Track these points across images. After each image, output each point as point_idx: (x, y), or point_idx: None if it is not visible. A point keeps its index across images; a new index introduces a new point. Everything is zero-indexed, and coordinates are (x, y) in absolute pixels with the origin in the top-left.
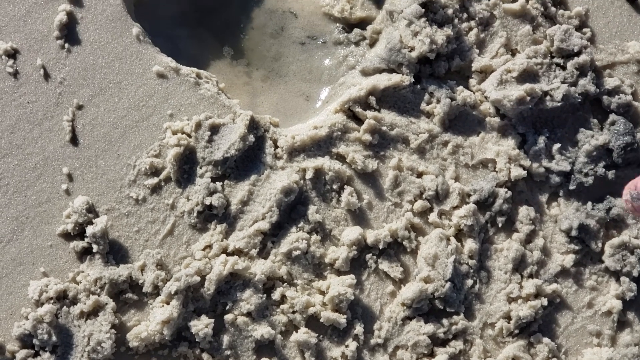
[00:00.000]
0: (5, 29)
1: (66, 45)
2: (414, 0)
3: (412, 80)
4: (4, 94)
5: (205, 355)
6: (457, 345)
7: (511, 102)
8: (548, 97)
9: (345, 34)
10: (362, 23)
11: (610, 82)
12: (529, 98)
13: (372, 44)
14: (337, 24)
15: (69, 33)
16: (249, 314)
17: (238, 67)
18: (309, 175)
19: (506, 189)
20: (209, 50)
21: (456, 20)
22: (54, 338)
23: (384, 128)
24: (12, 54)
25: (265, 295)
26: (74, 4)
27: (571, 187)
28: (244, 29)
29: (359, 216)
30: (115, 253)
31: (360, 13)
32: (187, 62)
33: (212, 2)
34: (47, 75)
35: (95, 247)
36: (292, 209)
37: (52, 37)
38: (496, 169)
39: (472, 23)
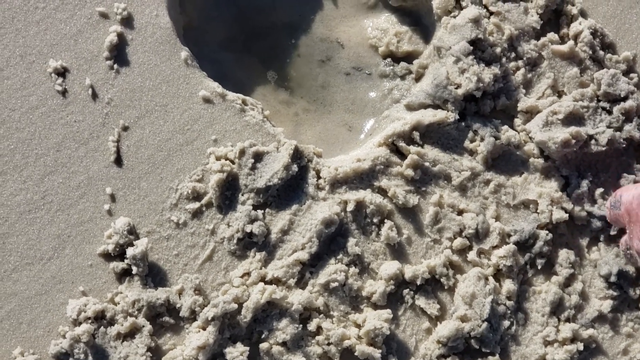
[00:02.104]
0: (56, 47)
1: (115, 66)
2: (462, 37)
3: (457, 117)
4: (52, 112)
5: None
6: None
7: (556, 144)
8: (593, 141)
9: (392, 67)
10: (409, 57)
11: None
12: (574, 141)
13: (418, 79)
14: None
15: (119, 54)
16: (284, 344)
17: (282, 95)
18: (350, 207)
19: (547, 231)
20: (254, 76)
21: (504, 59)
22: (90, 358)
23: (427, 164)
24: (62, 73)
25: (301, 325)
26: (125, 25)
27: (612, 233)
28: (290, 57)
29: (397, 251)
30: (154, 276)
31: (408, 47)
32: (232, 87)
33: (259, 27)
34: (95, 95)
35: (134, 269)
36: (331, 240)
37: (101, 57)
38: (538, 211)
39: (520, 63)
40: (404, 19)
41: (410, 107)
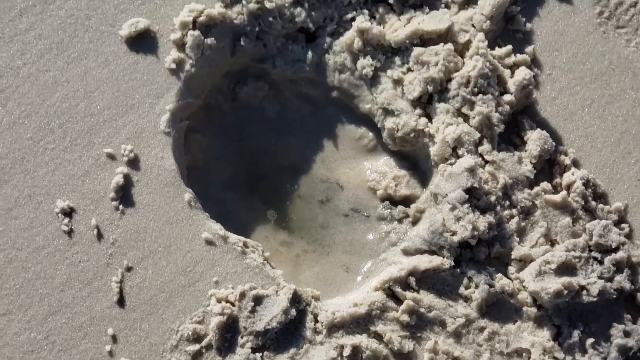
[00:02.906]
0: (64, 188)
1: (120, 206)
2: (458, 185)
3: (452, 263)
4: (58, 252)
5: None
6: None
7: (549, 294)
8: (585, 292)
9: (389, 210)
10: (406, 200)
11: None
12: (566, 292)
13: (414, 222)
14: (383, 201)
15: (124, 195)
16: None
17: (282, 235)
18: (347, 352)
19: None
20: (256, 216)
21: (498, 208)
22: None
23: (422, 310)
24: (69, 213)
25: None
26: (131, 167)
27: None
28: (291, 197)
29: None
30: None
31: (405, 191)
32: (234, 226)
33: (262, 168)
34: (100, 236)
35: None
36: None
37: (107, 198)
38: (530, 359)
39: (514, 211)
40: (402, 162)
41: (407, 252)
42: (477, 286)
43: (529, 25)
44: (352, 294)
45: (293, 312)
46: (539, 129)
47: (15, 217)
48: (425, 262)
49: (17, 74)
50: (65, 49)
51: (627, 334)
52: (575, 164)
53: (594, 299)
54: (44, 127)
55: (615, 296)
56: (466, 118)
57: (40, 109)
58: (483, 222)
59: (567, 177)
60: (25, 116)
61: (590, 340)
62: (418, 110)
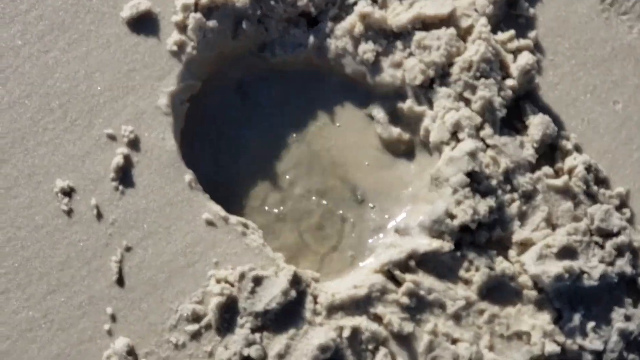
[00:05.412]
0: (63, 168)
1: (120, 187)
2: (459, 169)
3: (453, 247)
4: (57, 231)
5: None
6: None
7: (549, 278)
8: (586, 275)
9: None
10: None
11: None
12: (567, 275)
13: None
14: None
15: (124, 176)
16: None
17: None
18: (346, 333)
19: None
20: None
21: (499, 192)
22: None
23: (422, 292)
24: (68, 193)
25: None
26: (132, 147)
27: None
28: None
29: None
30: None
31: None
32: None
33: None
34: (99, 216)
35: None
36: None
37: (107, 178)
38: (530, 342)
39: (515, 195)
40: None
41: (408, 236)
42: (477, 269)
43: (532, 10)
44: (352, 277)
45: (293, 293)
46: (541, 114)
47: (14, 196)
48: (425, 245)
49: (17, 54)
50: (67, 30)
51: (628, 318)
52: (577, 149)
53: (595, 283)
54: (44, 107)
55: (616, 280)
56: (468, 102)
57: (40, 89)
58: (484, 206)
59: (568, 162)
60: (25, 96)
61: (591, 324)
62: (419, 95)
